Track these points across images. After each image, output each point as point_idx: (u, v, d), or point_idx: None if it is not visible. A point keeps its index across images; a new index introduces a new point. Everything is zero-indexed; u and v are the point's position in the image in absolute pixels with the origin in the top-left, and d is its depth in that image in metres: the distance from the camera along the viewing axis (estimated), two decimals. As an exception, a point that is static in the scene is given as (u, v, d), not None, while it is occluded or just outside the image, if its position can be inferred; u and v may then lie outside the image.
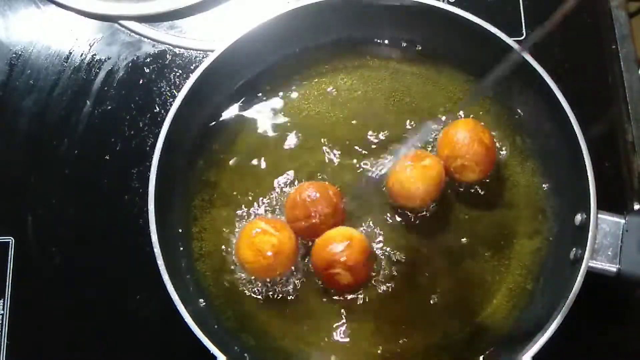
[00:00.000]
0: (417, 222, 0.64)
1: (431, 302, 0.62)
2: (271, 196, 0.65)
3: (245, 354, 0.60)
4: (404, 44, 0.70)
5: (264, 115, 0.69)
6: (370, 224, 0.64)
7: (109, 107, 0.71)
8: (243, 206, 0.65)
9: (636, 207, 0.66)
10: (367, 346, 0.61)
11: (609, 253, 0.57)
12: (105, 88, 0.72)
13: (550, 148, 0.65)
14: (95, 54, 0.73)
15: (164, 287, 0.57)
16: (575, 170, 0.60)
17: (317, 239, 0.60)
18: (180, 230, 0.64)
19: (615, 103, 0.70)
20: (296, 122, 0.69)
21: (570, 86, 0.62)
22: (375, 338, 0.61)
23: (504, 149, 0.67)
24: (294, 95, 0.70)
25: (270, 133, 0.68)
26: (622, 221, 0.58)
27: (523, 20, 0.73)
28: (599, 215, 0.58)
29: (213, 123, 0.68)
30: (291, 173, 0.66)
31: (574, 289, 0.55)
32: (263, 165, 0.67)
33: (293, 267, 0.62)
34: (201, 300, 0.62)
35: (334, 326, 0.62)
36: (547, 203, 0.65)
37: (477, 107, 0.68)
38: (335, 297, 0.62)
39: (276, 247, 0.58)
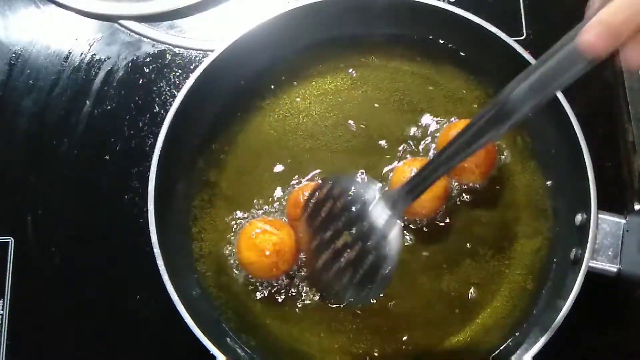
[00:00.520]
0: (417, 222, 0.64)
1: (431, 302, 0.62)
2: (271, 196, 0.65)
3: (246, 354, 0.60)
4: (404, 44, 0.70)
5: (264, 115, 0.69)
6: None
7: (109, 107, 0.71)
8: (243, 206, 0.65)
9: (637, 207, 0.66)
10: (367, 346, 0.61)
11: (610, 253, 0.57)
12: (105, 88, 0.72)
13: (551, 148, 0.65)
14: (95, 54, 0.73)
15: (164, 287, 0.57)
16: (575, 170, 0.60)
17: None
18: (180, 231, 0.64)
19: (615, 103, 0.70)
20: (296, 122, 0.69)
21: (570, 86, 0.62)
22: (375, 338, 0.61)
23: (504, 149, 0.67)
24: (294, 95, 0.70)
25: (270, 133, 0.68)
26: (623, 221, 0.58)
27: (523, 20, 0.73)
28: (600, 215, 0.58)
29: (213, 123, 0.68)
30: (291, 173, 0.66)
31: (574, 289, 0.55)
32: (263, 165, 0.67)
33: (295, 266, 0.62)
34: (201, 300, 0.62)
35: (334, 326, 0.62)
36: (547, 203, 0.65)
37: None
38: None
39: (277, 246, 0.58)
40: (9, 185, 0.69)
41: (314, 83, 0.70)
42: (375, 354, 0.61)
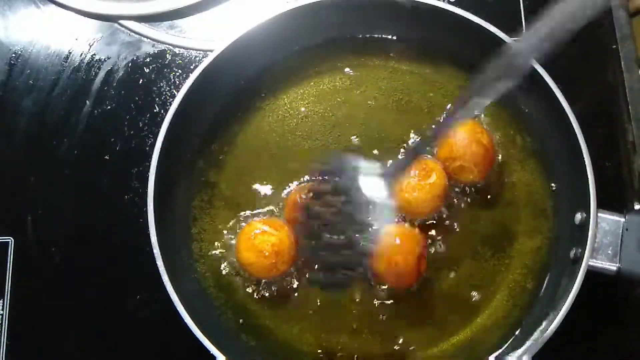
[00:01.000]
0: (417, 222, 0.64)
1: (431, 302, 0.62)
2: (271, 197, 0.65)
3: (246, 354, 0.60)
4: (404, 43, 0.70)
5: (264, 115, 0.69)
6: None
7: (109, 107, 0.71)
8: (242, 207, 0.65)
9: (636, 206, 0.66)
10: (367, 346, 0.61)
11: (609, 252, 0.57)
12: (105, 88, 0.72)
13: (551, 147, 0.65)
14: (94, 54, 0.73)
15: (164, 287, 0.57)
16: (575, 170, 0.60)
17: None
18: (180, 231, 0.64)
19: (615, 103, 0.70)
20: (295, 122, 0.69)
21: (570, 86, 0.62)
22: (375, 338, 0.61)
23: (504, 148, 0.67)
24: (293, 95, 0.70)
25: (270, 133, 0.68)
26: (622, 220, 0.58)
27: (523, 20, 0.73)
28: (599, 214, 0.58)
29: (213, 123, 0.68)
30: (291, 173, 0.66)
31: (574, 288, 0.55)
32: (263, 165, 0.67)
33: (293, 267, 0.62)
34: (201, 300, 0.62)
35: (335, 326, 0.62)
36: (547, 202, 0.65)
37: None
38: (335, 297, 0.62)
39: (276, 246, 0.58)
40: (9, 185, 0.69)
41: (313, 83, 0.70)
42: (376, 354, 0.61)
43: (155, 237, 0.58)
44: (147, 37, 0.74)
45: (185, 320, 0.55)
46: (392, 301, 0.62)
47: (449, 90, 0.69)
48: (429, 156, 0.64)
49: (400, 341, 0.61)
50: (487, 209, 0.65)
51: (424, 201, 0.61)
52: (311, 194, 0.53)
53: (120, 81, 0.72)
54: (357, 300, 0.62)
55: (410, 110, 0.68)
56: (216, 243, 0.64)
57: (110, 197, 0.68)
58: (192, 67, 0.73)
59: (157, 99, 0.71)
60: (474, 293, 0.63)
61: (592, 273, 0.57)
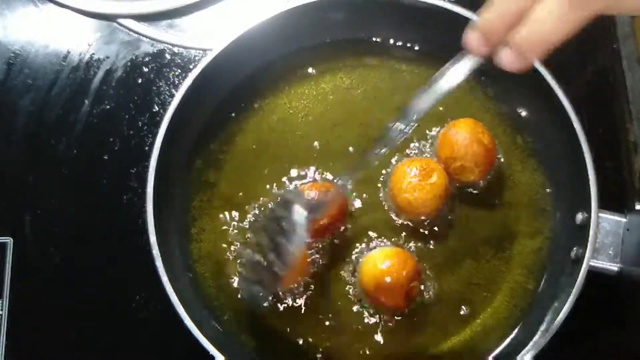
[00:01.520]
0: (417, 222, 0.64)
1: (432, 302, 0.62)
2: (270, 197, 0.65)
3: (246, 355, 0.60)
4: (404, 43, 0.70)
5: (263, 115, 0.69)
6: (372, 225, 0.64)
7: (108, 107, 0.71)
8: (242, 207, 0.65)
9: (637, 206, 0.66)
10: (368, 346, 0.61)
11: (610, 252, 0.57)
12: (104, 87, 0.72)
13: (551, 147, 0.65)
14: (93, 53, 0.73)
15: (164, 287, 0.56)
16: (576, 170, 0.59)
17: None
18: (179, 231, 0.64)
19: (617, 103, 0.70)
20: (295, 122, 0.69)
21: (571, 85, 0.62)
22: (375, 338, 0.61)
23: (504, 148, 0.67)
24: (293, 94, 0.69)
25: (269, 133, 0.68)
26: (623, 220, 0.58)
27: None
28: (600, 215, 0.58)
29: (212, 123, 0.68)
30: (291, 173, 0.66)
31: (575, 288, 0.55)
32: (262, 165, 0.67)
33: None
34: (200, 301, 0.62)
35: (335, 327, 0.61)
36: (548, 202, 0.65)
37: (478, 106, 0.68)
38: (335, 298, 0.62)
39: None
40: (8, 185, 0.69)
41: (312, 83, 0.70)
42: (375, 354, 0.61)
43: (155, 237, 0.58)
44: (146, 36, 0.73)
45: (185, 321, 0.55)
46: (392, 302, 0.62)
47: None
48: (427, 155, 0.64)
49: (401, 341, 0.61)
50: (487, 209, 0.65)
51: (425, 201, 0.60)
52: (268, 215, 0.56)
53: (119, 80, 0.72)
54: (357, 301, 0.62)
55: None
56: (215, 244, 0.64)
57: (110, 197, 0.68)
58: (191, 66, 0.72)
59: (156, 99, 0.71)
60: (475, 293, 0.63)
61: (593, 273, 0.57)
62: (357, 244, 0.63)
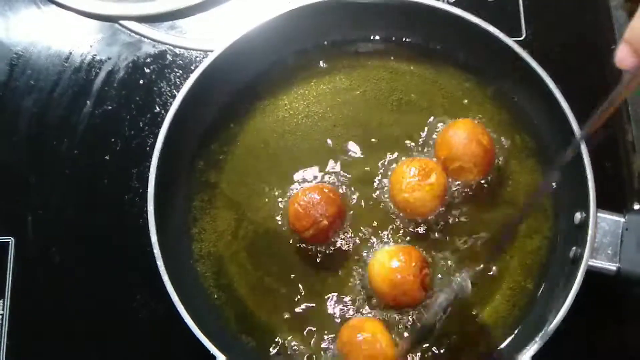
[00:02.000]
0: (416, 222, 0.64)
1: (431, 302, 0.62)
2: (271, 197, 0.65)
3: (246, 355, 0.60)
4: (403, 44, 0.70)
5: (263, 115, 0.69)
6: (372, 225, 0.64)
7: (109, 107, 0.71)
8: (243, 207, 0.65)
9: (636, 206, 0.66)
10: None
11: (609, 252, 0.57)
12: (106, 88, 0.72)
13: (550, 147, 0.65)
14: (95, 54, 0.74)
15: (164, 287, 0.57)
16: (575, 170, 0.60)
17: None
18: (180, 231, 0.64)
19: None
20: (295, 123, 0.69)
21: (569, 86, 0.62)
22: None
23: (504, 148, 0.67)
24: (293, 95, 0.70)
25: (270, 134, 0.68)
26: (622, 220, 0.58)
27: (523, 20, 0.73)
28: (599, 214, 0.58)
29: (213, 123, 0.68)
30: (291, 173, 0.66)
31: (574, 287, 0.55)
32: (263, 166, 0.67)
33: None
34: (201, 300, 0.62)
35: (335, 329, 0.61)
36: (547, 202, 0.65)
37: (477, 106, 0.68)
38: (335, 299, 0.62)
39: None
40: (10, 185, 0.69)
41: (312, 84, 0.70)
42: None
43: (155, 237, 0.58)
44: (148, 38, 0.74)
45: (185, 320, 0.55)
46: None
47: (448, 90, 0.69)
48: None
49: (401, 342, 0.61)
50: (487, 209, 0.65)
51: (424, 201, 0.61)
52: None
53: (120, 81, 0.72)
54: (358, 303, 0.62)
55: (410, 111, 0.68)
56: (216, 244, 0.64)
57: (111, 197, 0.68)
58: (192, 67, 0.73)
59: (158, 99, 0.71)
60: (474, 293, 0.62)
61: (591, 273, 0.57)
62: (358, 245, 0.63)
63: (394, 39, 0.70)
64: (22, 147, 0.70)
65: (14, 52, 0.74)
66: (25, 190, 0.68)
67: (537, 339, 0.55)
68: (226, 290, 0.63)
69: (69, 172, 0.69)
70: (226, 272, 0.64)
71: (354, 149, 0.67)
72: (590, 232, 0.57)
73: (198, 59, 0.73)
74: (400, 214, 0.64)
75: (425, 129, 0.67)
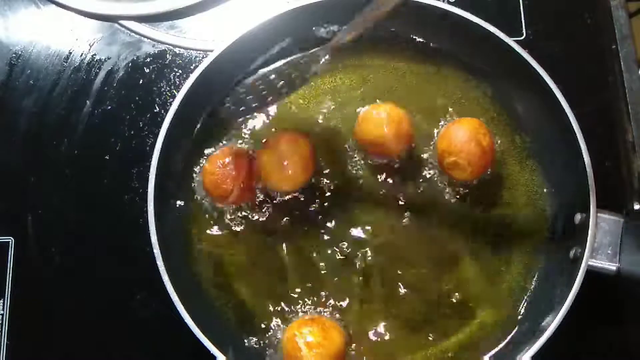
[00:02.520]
0: (418, 221, 0.64)
1: (431, 302, 0.62)
2: (271, 197, 0.65)
3: (246, 355, 0.60)
4: (403, 44, 0.70)
5: (264, 115, 0.69)
6: (373, 225, 0.64)
7: (109, 107, 0.71)
8: (243, 207, 0.65)
9: (636, 206, 0.66)
10: (367, 348, 0.61)
11: (609, 252, 0.57)
12: (105, 88, 0.72)
13: (550, 147, 0.65)
14: (95, 54, 0.73)
15: (164, 287, 0.57)
16: (574, 170, 0.60)
17: None
18: (180, 231, 0.64)
19: (615, 103, 0.70)
20: (295, 123, 0.69)
21: (570, 86, 0.62)
22: (375, 338, 0.61)
23: (503, 148, 0.67)
24: (293, 95, 0.70)
25: (270, 133, 0.68)
26: (622, 220, 0.58)
27: (523, 20, 0.73)
28: (599, 214, 0.58)
29: (213, 123, 0.68)
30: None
31: (573, 288, 0.55)
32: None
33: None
34: (201, 300, 0.62)
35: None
36: (546, 202, 0.65)
37: (477, 106, 0.68)
38: (337, 302, 0.62)
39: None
40: (10, 185, 0.69)
41: (312, 84, 0.70)
42: (375, 355, 0.61)
43: (156, 237, 0.58)
44: (148, 38, 0.74)
45: (185, 320, 0.55)
46: (393, 302, 0.62)
47: (448, 90, 0.69)
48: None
49: (402, 342, 0.61)
50: (487, 209, 0.65)
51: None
52: None
53: (120, 81, 0.72)
54: (359, 304, 0.62)
55: (410, 111, 0.68)
56: (216, 243, 0.64)
57: (111, 197, 0.68)
58: (192, 67, 0.73)
59: (157, 99, 0.71)
60: (473, 293, 0.63)
61: (591, 273, 0.57)
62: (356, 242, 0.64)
63: (394, 39, 0.70)
64: (21, 147, 0.70)
65: (14, 52, 0.74)
66: (25, 190, 0.68)
67: (537, 338, 0.55)
68: (226, 290, 0.63)
69: (69, 172, 0.69)
70: (226, 272, 0.64)
71: (354, 149, 0.67)
72: (590, 232, 0.57)
73: (198, 58, 0.73)
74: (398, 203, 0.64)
75: (426, 129, 0.67)
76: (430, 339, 0.61)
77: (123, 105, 0.71)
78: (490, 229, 0.65)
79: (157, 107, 0.71)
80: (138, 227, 0.65)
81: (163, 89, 0.72)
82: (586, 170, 0.58)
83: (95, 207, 0.68)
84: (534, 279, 0.63)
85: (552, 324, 0.55)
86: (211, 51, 0.64)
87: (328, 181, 0.65)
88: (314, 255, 0.63)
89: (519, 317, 0.62)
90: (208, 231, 0.65)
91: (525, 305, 0.62)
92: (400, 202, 0.65)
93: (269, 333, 0.62)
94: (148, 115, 0.71)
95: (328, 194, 0.65)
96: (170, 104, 0.62)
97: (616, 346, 0.63)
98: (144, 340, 0.64)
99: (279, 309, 0.62)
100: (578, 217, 0.60)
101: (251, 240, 0.64)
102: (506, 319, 0.62)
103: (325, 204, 0.65)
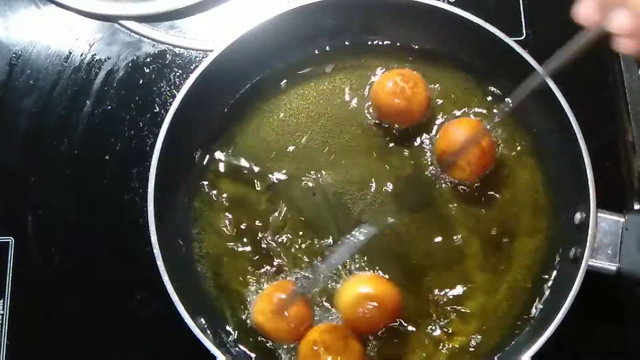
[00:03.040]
0: (418, 220, 0.64)
1: (429, 302, 0.62)
2: (271, 197, 0.65)
3: (245, 355, 0.60)
4: (403, 44, 0.70)
5: (264, 115, 0.69)
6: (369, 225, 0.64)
7: (109, 107, 0.71)
8: (243, 207, 0.65)
9: (636, 206, 0.66)
10: (369, 347, 0.61)
11: (609, 252, 0.57)
12: (105, 88, 0.72)
13: (550, 147, 0.65)
14: (95, 54, 0.73)
15: (164, 287, 0.57)
16: (574, 170, 0.60)
17: None
18: (180, 231, 0.64)
19: (615, 103, 0.70)
20: (295, 123, 0.69)
21: (570, 86, 0.62)
22: (376, 339, 0.61)
23: (503, 148, 0.67)
24: (293, 95, 0.70)
25: (270, 133, 0.68)
26: (622, 220, 0.58)
27: (523, 21, 0.73)
28: (599, 214, 0.58)
29: (213, 123, 0.68)
30: (291, 174, 0.66)
31: (573, 287, 0.55)
32: (263, 165, 0.67)
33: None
34: (201, 301, 0.62)
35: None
36: (546, 202, 0.65)
37: (477, 106, 0.68)
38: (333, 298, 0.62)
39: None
40: (10, 185, 0.69)
41: (313, 84, 0.70)
42: (377, 354, 0.61)
43: (156, 237, 0.58)
44: (148, 37, 0.74)
45: (186, 320, 0.55)
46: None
47: (448, 90, 0.69)
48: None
49: (402, 341, 0.61)
50: (486, 209, 0.65)
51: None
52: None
53: (120, 81, 0.72)
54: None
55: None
56: (216, 244, 0.64)
57: (110, 197, 0.68)
58: (192, 67, 0.73)
59: (157, 99, 0.71)
60: (473, 293, 0.63)
61: (591, 273, 0.57)
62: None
63: (394, 38, 0.70)
64: (21, 147, 0.70)
65: (14, 52, 0.74)
66: (25, 190, 0.68)
67: (536, 338, 0.55)
68: (226, 290, 0.63)
69: (69, 172, 0.69)
70: (226, 272, 0.64)
71: (355, 149, 0.67)
72: (590, 232, 0.57)
73: (198, 58, 0.73)
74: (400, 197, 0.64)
75: (425, 129, 0.67)
76: (429, 339, 0.61)
77: (123, 105, 0.71)
78: (490, 229, 0.65)
79: (157, 107, 0.71)
80: (138, 227, 0.65)
81: (163, 89, 0.72)
82: (586, 170, 0.58)
83: (95, 207, 0.68)
84: (534, 279, 0.63)
85: (552, 324, 0.55)
86: (211, 51, 0.64)
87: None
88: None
89: (519, 316, 0.62)
90: (209, 231, 0.65)
91: (525, 304, 0.62)
92: (398, 202, 0.65)
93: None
94: (148, 115, 0.71)
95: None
96: (171, 104, 0.62)
97: (616, 346, 0.63)
98: (144, 340, 0.64)
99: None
100: (578, 217, 0.60)
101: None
102: (506, 318, 0.62)
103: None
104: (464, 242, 0.64)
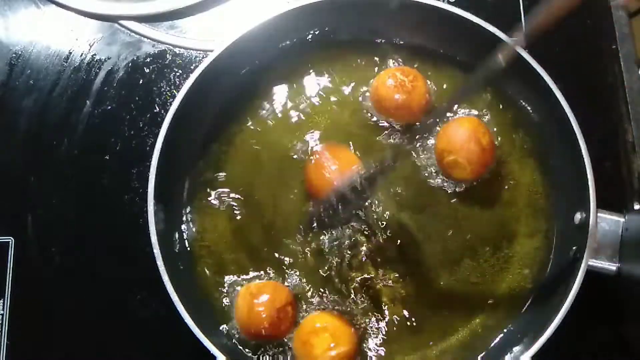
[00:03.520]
0: (418, 221, 0.64)
1: (431, 302, 0.62)
2: (271, 197, 0.65)
3: (245, 355, 0.60)
4: (403, 43, 0.70)
5: (264, 115, 0.69)
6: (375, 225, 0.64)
7: (109, 107, 0.71)
8: (243, 207, 0.65)
9: (636, 206, 0.66)
10: (368, 347, 0.61)
11: (609, 252, 0.57)
12: (105, 88, 0.72)
13: (550, 147, 0.65)
14: (95, 54, 0.74)
15: (164, 287, 0.57)
16: (575, 170, 0.60)
17: None
18: (180, 231, 0.64)
19: (615, 103, 0.70)
20: (295, 122, 0.69)
21: (570, 86, 0.62)
22: (375, 339, 0.61)
23: (504, 148, 0.67)
24: (293, 95, 0.70)
25: (270, 133, 0.68)
26: (622, 220, 0.58)
27: (523, 20, 0.73)
28: (599, 214, 0.58)
29: (212, 123, 0.68)
30: (291, 173, 0.66)
31: (574, 287, 0.56)
32: (263, 165, 0.67)
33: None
34: (201, 300, 0.62)
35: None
36: (547, 202, 0.65)
37: (477, 106, 0.68)
38: (337, 307, 0.62)
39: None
40: (10, 185, 0.69)
41: (313, 83, 0.70)
42: (377, 354, 0.61)
43: (155, 237, 0.58)
44: (148, 38, 0.74)
45: (185, 320, 0.55)
46: (392, 302, 0.62)
47: (448, 90, 0.69)
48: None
49: (401, 342, 0.61)
50: (486, 209, 0.65)
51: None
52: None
53: (120, 81, 0.72)
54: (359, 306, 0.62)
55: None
56: (216, 243, 0.64)
57: (110, 197, 0.68)
58: (192, 67, 0.73)
59: (158, 99, 0.71)
60: (474, 292, 0.63)
61: (591, 273, 0.57)
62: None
63: (394, 38, 0.70)
64: (21, 147, 0.70)
65: (14, 52, 0.74)
66: (25, 190, 0.68)
67: (537, 339, 0.55)
68: (226, 290, 0.63)
69: (69, 172, 0.69)
70: (226, 272, 0.64)
71: (354, 148, 0.67)
72: (590, 232, 0.57)
73: (198, 58, 0.73)
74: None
75: (425, 128, 0.67)
76: (430, 339, 0.61)
77: (123, 105, 0.71)
78: (490, 229, 0.65)
79: (157, 107, 0.71)
80: (138, 227, 0.65)
81: (163, 89, 0.72)
82: (586, 170, 0.58)
83: (95, 207, 0.68)
84: (534, 279, 0.63)
85: (552, 324, 0.55)
86: (211, 51, 0.64)
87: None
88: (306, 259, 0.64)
89: (519, 317, 0.62)
90: (208, 231, 0.65)
91: (525, 304, 0.62)
92: (399, 202, 0.65)
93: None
94: (148, 115, 0.71)
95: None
96: (171, 104, 0.62)
97: (616, 346, 0.63)
98: (144, 340, 0.64)
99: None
100: (578, 217, 0.60)
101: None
102: (506, 318, 0.62)
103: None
104: (464, 242, 0.64)
